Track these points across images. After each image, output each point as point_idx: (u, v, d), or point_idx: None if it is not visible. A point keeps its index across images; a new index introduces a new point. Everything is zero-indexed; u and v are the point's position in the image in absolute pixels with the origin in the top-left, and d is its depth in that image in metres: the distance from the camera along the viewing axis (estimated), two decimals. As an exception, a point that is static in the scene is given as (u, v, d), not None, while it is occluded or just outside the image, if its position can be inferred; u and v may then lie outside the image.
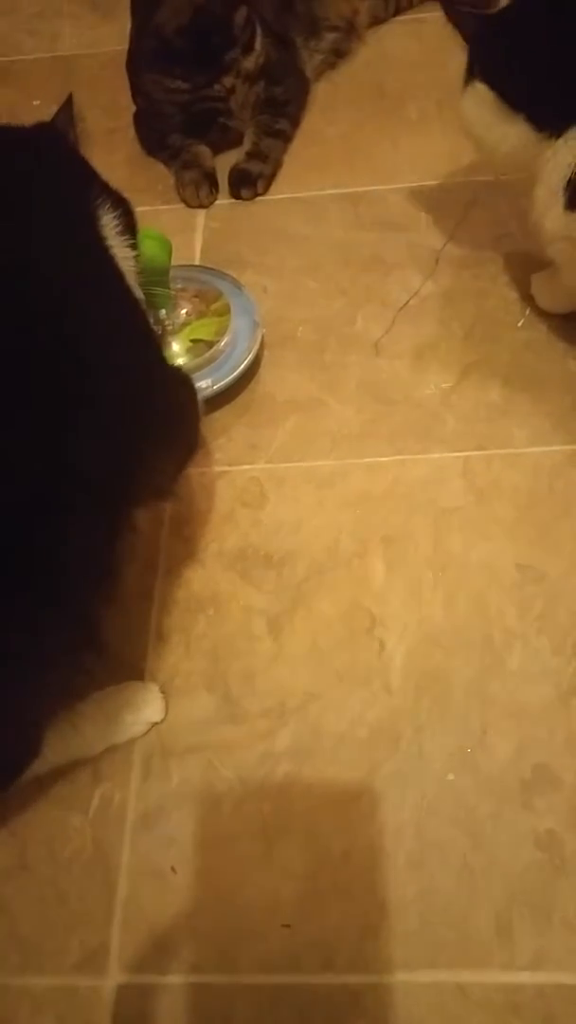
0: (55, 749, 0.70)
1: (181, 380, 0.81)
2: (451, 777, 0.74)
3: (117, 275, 0.68)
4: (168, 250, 0.92)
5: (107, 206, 0.70)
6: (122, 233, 0.71)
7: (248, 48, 1.17)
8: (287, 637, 0.84)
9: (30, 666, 0.57)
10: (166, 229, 1.16)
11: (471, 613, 0.83)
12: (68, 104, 0.77)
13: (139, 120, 1.28)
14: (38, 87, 1.45)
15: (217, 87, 1.19)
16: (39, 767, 0.70)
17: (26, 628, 0.55)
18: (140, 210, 1.22)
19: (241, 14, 1.15)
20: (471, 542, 0.87)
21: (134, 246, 0.73)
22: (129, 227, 0.73)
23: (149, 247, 0.90)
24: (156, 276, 0.93)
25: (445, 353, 1.01)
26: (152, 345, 0.75)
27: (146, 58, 1.20)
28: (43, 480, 0.56)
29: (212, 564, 0.89)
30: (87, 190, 0.70)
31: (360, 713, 0.78)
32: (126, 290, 0.69)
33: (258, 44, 1.18)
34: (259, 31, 1.18)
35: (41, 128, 0.74)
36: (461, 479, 0.92)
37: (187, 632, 0.85)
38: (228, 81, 1.18)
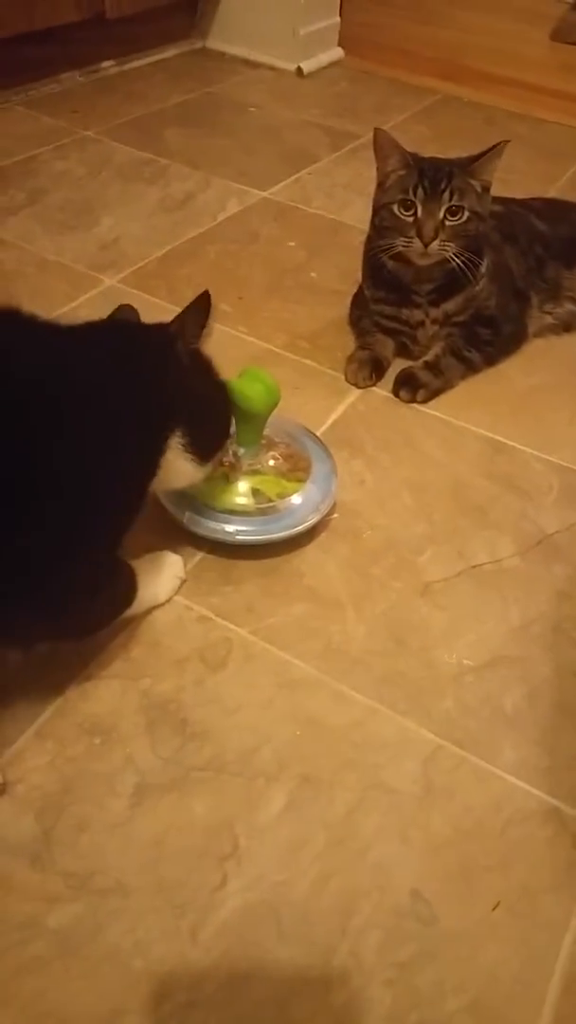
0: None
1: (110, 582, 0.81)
2: None
3: (141, 476, 0.77)
4: (266, 400, 0.92)
5: (179, 425, 0.79)
6: (185, 448, 0.79)
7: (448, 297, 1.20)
8: (143, 814, 0.74)
9: None
10: (319, 390, 1.20)
11: (332, 912, 0.69)
12: (200, 299, 0.81)
13: (356, 294, 1.33)
14: (302, 236, 1.58)
15: (406, 313, 1.22)
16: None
17: None
18: (307, 363, 1.27)
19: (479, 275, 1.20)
20: (386, 834, 0.74)
21: (196, 457, 0.81)
22: (199, 441, 0.81)
23: (247, 387, 0.91)
24: (247, 416, 0.93)
25: (488, 632, 0.91)
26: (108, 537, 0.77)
27: (369, 263, 1.25)
28: None
29: (131, 697, 0.82)
30: (160, 402, 0.78)
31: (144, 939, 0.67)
32: (136, 485, 0.77)
33: (458, 299, 1.20)
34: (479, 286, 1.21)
35: (158, 330, 0.82)
36: (419, 764, 0.79)
37: (61, 748, 0.78)
38: (418, 315, 1.22)
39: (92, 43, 2.09)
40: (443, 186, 1.12)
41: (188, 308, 0.81)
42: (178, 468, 0.80)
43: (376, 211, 1.19)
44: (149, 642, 0.87)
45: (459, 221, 1.13)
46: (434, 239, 1.12)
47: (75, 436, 0.69)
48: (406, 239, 1.14)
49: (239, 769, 0.78)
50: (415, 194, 1.12)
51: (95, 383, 0.72)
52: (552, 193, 1.77)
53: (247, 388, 0.91)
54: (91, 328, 0.79)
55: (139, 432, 0.76)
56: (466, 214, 1.13)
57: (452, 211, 1.12)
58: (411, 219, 1.13)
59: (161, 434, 0.78)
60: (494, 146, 1.14)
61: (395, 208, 1.14)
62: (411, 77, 2.30)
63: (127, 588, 0.82)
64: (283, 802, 0.76)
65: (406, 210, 1.13)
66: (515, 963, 0.68)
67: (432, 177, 1.12)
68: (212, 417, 0.85)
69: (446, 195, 1.12)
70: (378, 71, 2.34)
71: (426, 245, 1.13)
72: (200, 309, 0.81)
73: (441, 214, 1.12)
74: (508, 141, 1.14)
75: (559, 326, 1.36)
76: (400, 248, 1.15)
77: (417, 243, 1.13)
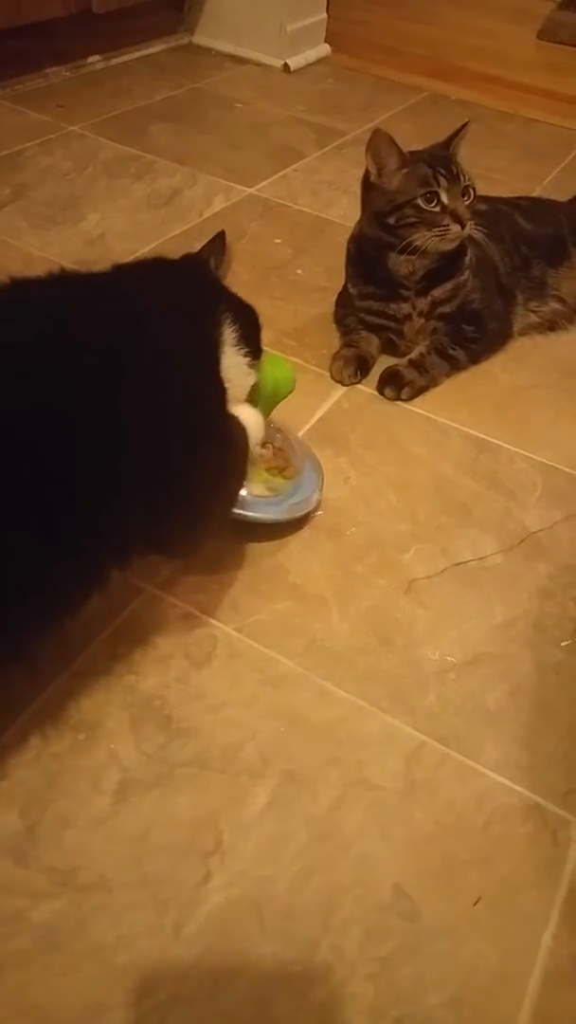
0: None
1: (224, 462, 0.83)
2: None
3: (210, 367, 0.80)
4: (289, 382, 0.94)
5: (228, 319, 0.82)
6: (236, 343, 0.83)
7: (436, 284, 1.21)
8: (127, 810, 0.74)
9: None
10: (304, 387, 1.20)
11: (314, 908, 0.70)
12: (217, 237, 0.88)
13: (340, 292, 1.33)
14: (288, 233, 1.58)
15: (393, 307, 1.22)
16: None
17: None
18: (294, 361, 1.27)
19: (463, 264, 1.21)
20: (368, 830, 0.75)
21: (248, 352, 0.84)
22: (246, 337, 0.84)
23: (275, 368, 0.93)
24: (266, 397, 0.94)
25: (471, 630, 0.92)
26: (209, 414, 0.80)
27: (356, 260, 1.26)
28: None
29: (115, 693, 0.83)
30: (210, 305, 0.83)
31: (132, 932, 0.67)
32: (211, 377, 0.80)
33: (447, 285, 1.21)
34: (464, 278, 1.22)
35: (188, 257, 0.89)
36: (402, 760, 0.80)
37: (46, 744, 0.78)
38: (406, 308, 1.22)
39: (78, 38, 2.08)
40: (455, 170, 1.14)
41: (209, 243, 0.87)
42: (235, 365, 0.82)
43: (388, 212, 1.15)
44: (134, 639, 0.87)
45: (472, 198, 1.15)
46: (471, 219, 1.14)
47: (170, 344, 0.75)
48: (441, 228, 1.13)
49: (223, 766, 0.78)
50: (437, 183, 1.12)
51: (165, 299, 0.79)
52: (538, 192, 1.78)
53: (275, 368, 0.91)
54: (131, 266, 0.86)
55: (204, 324, 0.80)
56: (472, 191, 1.15)
57: (465, 191, 1.14)
58: (438, 209, 1.12)
59: (218, 322, 0.81)
60: (462, 126, 1.17)
61: (420, 202, 1.12)
62: (398, 75, 2.31)
63: (241, 434, 0.85)
64: (267, 798, 0.76)
65: (430, 202, 1.13)
66: (496, 958, 0.69)
67: (443, 164, 1.14)
68: (249, 317, 0.87)
69: (460, 177, 1.14)
70: (365, 68, 2.34)
71: (464, 227, 1.13)
72: (218, 246, 0.88)
73: (462, 196, 1.14)
74: (471, 121, 1.19)
75: (544, 325, 1.37)
76: (432, 240, 1.14)
77: (455, 228, 1.13)
